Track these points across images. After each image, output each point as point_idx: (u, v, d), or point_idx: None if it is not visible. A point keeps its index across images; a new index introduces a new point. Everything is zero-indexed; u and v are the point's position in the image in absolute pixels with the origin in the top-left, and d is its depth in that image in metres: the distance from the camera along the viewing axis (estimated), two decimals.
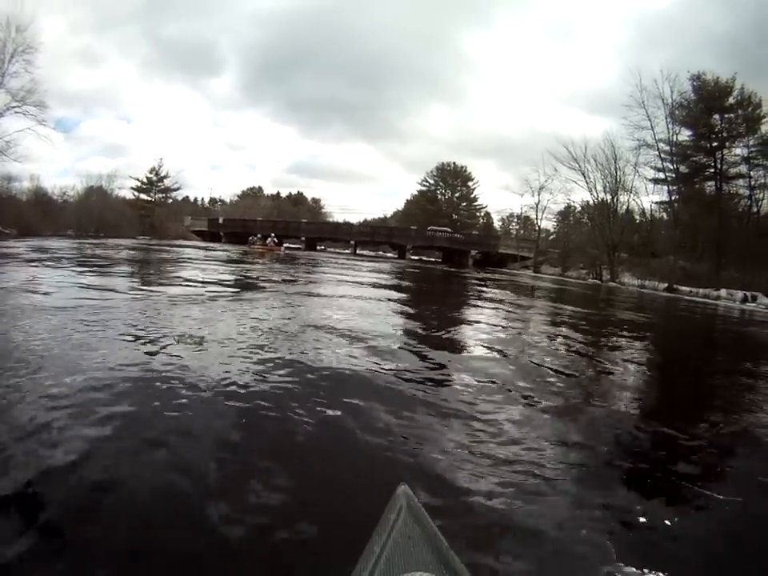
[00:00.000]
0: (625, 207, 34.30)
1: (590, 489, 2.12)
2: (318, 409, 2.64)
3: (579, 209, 38.11)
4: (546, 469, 2.21)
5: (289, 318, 5.46)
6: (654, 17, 59.05)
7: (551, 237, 42.66)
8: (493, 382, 3.61)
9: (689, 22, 50.77)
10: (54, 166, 78.88)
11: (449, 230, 45.18)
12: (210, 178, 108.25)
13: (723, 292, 25.34)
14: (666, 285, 27.33)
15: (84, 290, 6.20)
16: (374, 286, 11.99)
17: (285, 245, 36.99)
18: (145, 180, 49.30)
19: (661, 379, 4.91)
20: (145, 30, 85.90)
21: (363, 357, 3.94)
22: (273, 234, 32.89)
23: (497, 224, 57.24)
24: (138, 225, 40.89)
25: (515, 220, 51.48)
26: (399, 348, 4.55)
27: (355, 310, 6.66)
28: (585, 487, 2.12)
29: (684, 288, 26.58)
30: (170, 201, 52.49)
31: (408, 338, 5.23)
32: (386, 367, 3.73)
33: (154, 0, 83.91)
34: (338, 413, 2.61)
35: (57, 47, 58.95)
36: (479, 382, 3.60)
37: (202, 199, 73.60)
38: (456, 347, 5.22)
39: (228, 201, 72.84)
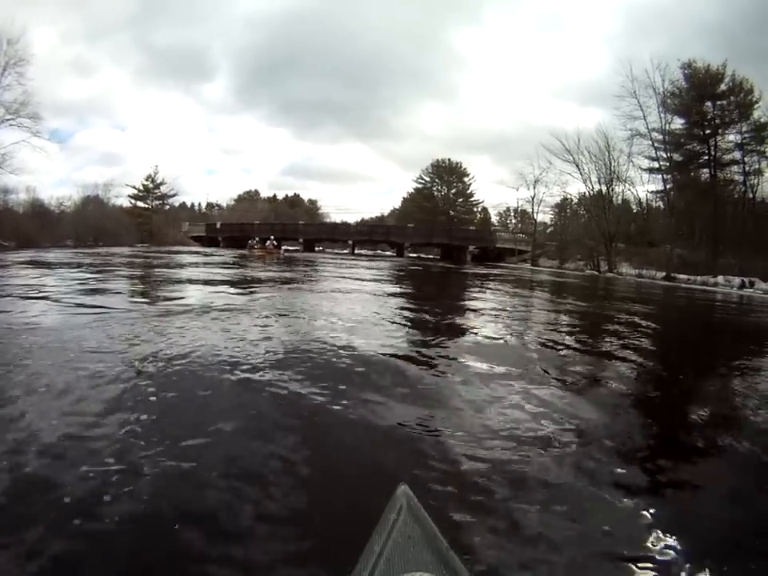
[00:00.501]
0: (620, 197, 34.61)
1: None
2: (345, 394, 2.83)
3: (576, 200, 38.35)
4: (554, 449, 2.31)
5: (294, 317, 5.58)
6: (644, 6, 59.27)
7: (549, 229, 42.85)
8: (503, 366, 3.81)
9: (679, 12, 51.05)
10: (50, 176, 79.17)
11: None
12: (206, 184, 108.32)
13: (720, 279, 25.53)
14: (664, 273, 27.52)
15: (76, 305, 5.76)
16: (378, 281, 12.28)
17: (284, 247, 36.97)
18: (141, 188, 49.32)
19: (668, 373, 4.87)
20: (136, 39, 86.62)
21: (376, 348, 4.13)
22: (272, 237, 32.81)
23: (494, 219, 57.43)
24: (136, 233, 40.82)
25: (512, 214, 51.69)
26: (412, 338, 4.82)
27: (363, 308, 6.80)
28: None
29: (682, 276, 26.74)
30: (167, 207, 52.43)
31: (418, 329, 5.53)
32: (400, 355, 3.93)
33: (145, 8, 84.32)
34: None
35: (49, 58, 58.89)
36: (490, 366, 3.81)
37: (199, 204, 74.08)
38: (464, 337, 5.36)
39: (225, 205, 73.26)
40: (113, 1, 77.29)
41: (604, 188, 33.83)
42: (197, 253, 27.01)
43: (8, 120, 28.00)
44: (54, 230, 32.74)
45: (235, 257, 23.90)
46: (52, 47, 65.19)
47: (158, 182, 50.03)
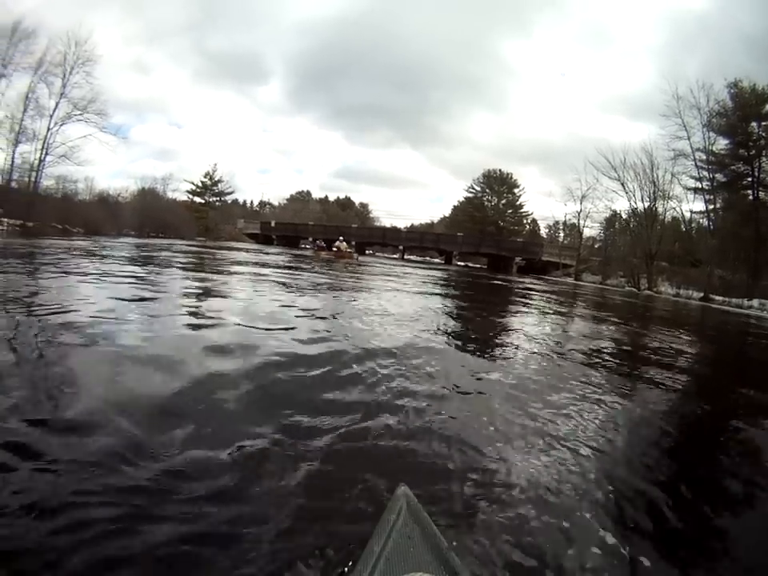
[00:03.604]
0: (666, 216, 37.02)
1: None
2: None
3: (624, 216, 40.73)
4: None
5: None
6: (690, 19, 61.85)
7: (597, 245, 45.19)
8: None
9: (724, 24, 52.23)
10: (106, 167, 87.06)
11: None
12: (258, 182, 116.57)
13: (755, 302, 27.63)
14: (702, 294, 29.77)
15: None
16: (452, 296, 12.91)
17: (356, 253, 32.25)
18: (200, 184, 54.52)
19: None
20: (194, 42, 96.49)
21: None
22: (341, 238, 30.66)
23: (543, 231, 60.99)
24: (194, 227, 44.85)
25: (561, 227, 54.37)
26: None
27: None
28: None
29: (718, 297, 28.93)
30: (218, 204, 56.71)
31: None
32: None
33: (202, 14, 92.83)
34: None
35: (111, 58, 64.92)
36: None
37: (251, 202, 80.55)
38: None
39: (277, 204, 79.06)
40: (172, 7, 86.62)
41: (648, 206, 36.40)
42: (258, 251, 27.87)
43: (76, 115, 32.00)
44: (118, 220, 35.75)
45: (300, 259, 23.33)
46: (114, 47, 74.09)
47: (216, 179, 55.00)
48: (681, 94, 33.10)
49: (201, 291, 7.31)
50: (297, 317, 5.56)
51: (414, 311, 7.38)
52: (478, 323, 7.67)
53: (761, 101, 31.07)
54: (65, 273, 7.32)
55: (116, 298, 5.28)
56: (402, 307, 7.69)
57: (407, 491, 1.19)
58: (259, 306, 6.20)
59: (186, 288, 7.48)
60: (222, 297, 6.91)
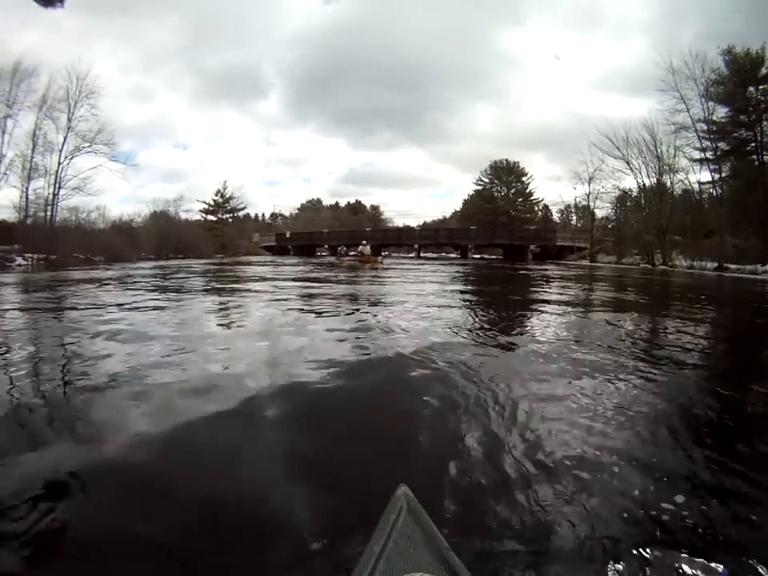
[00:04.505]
0: (673, 190, 37.35)
1: None
2: None
3: (634, 194, 40.85)
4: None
5: None
6: None
7: (611, 225, 45.58)
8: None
9: None
10: (116, 195, 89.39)
11: None
12: (267, 195, 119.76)
13: None
14: (716, 264, 30.29)
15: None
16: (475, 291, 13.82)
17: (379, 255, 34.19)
18: (211, 202, 56.41)
19: None
20: (190, 64, 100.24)
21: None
22: (364, 242, 31.14)
23: (555, 216, 61.65)
24: (212, 245, 45.82)
25: (573, 210, 54.94)
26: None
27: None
28: None
29: (732, 266, 29.36)
30: (231, 220, 58.25)
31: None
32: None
33: (196, 36, 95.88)
34: None
35: (109, 87, 65.63)
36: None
37: (263, 215, 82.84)
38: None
39: (288, 215, 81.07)
40: (164, 32, 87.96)
41: (654, 181, 36.91)
42: (280, 264, 28.40)
43: (84, 148, 32.80)
44: (136, 245, 36.17)
45: (329, 268, 23.38)
46: (111, 77, 77.16)
47: (228, 196, 56.86)
48: (676, 67, 33.24)
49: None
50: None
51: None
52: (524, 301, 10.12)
53: (755, 65, 31.13)
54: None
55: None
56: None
57: (407, 491, 1.19)
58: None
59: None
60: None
